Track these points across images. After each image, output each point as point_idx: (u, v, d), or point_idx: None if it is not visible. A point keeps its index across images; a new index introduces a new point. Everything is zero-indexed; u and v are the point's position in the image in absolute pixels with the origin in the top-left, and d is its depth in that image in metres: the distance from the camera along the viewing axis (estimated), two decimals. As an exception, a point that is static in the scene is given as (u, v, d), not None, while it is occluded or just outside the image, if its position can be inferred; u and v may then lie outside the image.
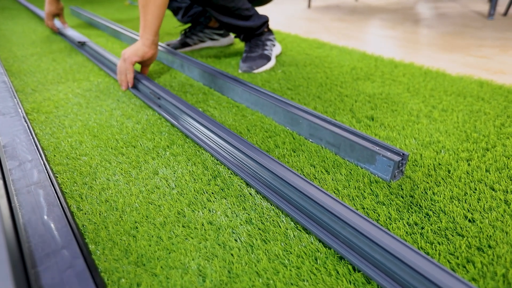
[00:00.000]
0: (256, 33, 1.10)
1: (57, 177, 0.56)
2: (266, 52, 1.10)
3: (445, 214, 0.47)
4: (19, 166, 0.56)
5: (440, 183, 0.53)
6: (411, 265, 0.34)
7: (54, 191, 0.50)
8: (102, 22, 1.67)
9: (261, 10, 1.19)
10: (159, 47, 1.17)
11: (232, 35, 1.39)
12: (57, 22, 1.61)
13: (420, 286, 0.34)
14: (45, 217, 0.45)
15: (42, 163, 0.57)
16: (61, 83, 0.97)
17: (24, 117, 0.74)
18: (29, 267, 0.37)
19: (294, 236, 0.44)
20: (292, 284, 0.37)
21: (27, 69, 1.09)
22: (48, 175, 0.54)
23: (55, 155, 0.62)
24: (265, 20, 1.10)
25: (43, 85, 0.95)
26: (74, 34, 1.43)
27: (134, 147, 0.64)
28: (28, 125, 0.70)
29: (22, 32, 1.62)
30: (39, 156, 0.59)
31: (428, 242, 0.42)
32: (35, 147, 0.61)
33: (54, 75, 1.03)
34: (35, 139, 0.65)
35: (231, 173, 0.56)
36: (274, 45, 1.15)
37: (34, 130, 0.70)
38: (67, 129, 0.71)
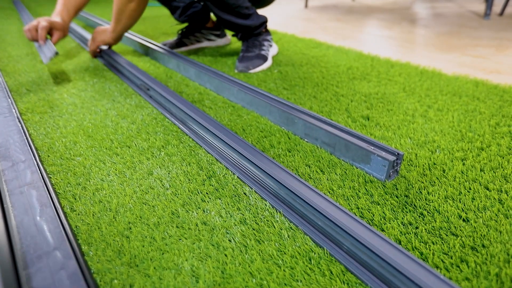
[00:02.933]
0: (254, 33, 1.10)
1: (50, 177, 0.55)
2: (263, 52, 1.10)
3: (440, 213, 0.47)
4: (12, 166, 0.55)
5: (435, 182, 0.53)
6: (400, 270, 0.34)
7: (47, 192, 0.50)
8: (98, 23, 1.66)
9: (259, 9, 1.19)
10: (155, 47, 1.17)
11: (228, 36, 1.39)
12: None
13: None
14: (38, 218, 0.45)
15: (36, 163, 0.56)
16: (56, 83, 0.96)
17: (18, 117, 0.73)
18: (20, 269, 0.37)
19: (288, 236, 0.44)
20: (285, 284, 0.37)
21: (22, 69, 1.08)
22: (42, 175, 0.54)
23: (49, 156, 0.61)
24: (263, 21, 1.10)
25: (38, 85, 0.95)
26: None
27: (129, 147, 0.64)
28: (22, 126, 0.69)
29: (17, 32, 1.61)
30: (32, 156, 0.58)
31: (422, 242, 0.42)
32: (29, 148, 0.61)
33: (49, 75, 1.03)
34: (29, 139, 0.64)
35: (226, 173, 0.56)
36: (271, 46, 1.15)
37: (28, 131, 0.70)
38: (62, 130, 0.70)
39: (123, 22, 1.02)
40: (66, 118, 0.76)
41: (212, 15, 1.32)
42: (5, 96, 0.84)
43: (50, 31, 1.04)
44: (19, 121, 0.71)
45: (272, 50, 1.16)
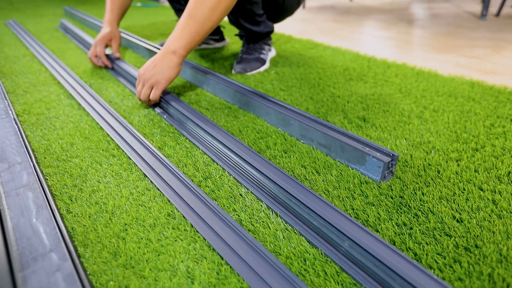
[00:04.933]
0: (258, 39, 1.11)
1: (47, 179, 0.55)
2: (262, 56, 1.10)
3: (434, 214, 0.47)
4: (8, 168, 0.56)
5: (429, 183, 0.53)
6: (394, 270, 0.35)
7: (43, 194, 0.50)
8: (95, 23, 1.66)
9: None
10: (151, 47, 1.17)
11: (227, 40, 1.40)
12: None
13: None
14: (34, 220, 0.45)
15: (32, 165, 0.57)
16: (53, 84, 0.96)
17: (14, 119, 0.73)
18: (16, 271, 0.37)
19: (283, 237, 0.44)
20: (280, 285, 0.37)
21: (18, 70, 1.08)
22: (38, 177, 0.54)
23: (45, 157, 0.61)
24: (270, 30, 1.10)
25: (35, 86, 0.95)
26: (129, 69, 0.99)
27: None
28: (18, 127, 0.70)
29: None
30: (29, 158, 0.59)
31: (416, 243, 0.42)
32: (25, 149, 0.61)
33: (46, 76, 1.03)
34: (25, 141, 0.64)
35: (222, 175, 0.56)
36: (270, 50, 1.16)
37: (24, 132, 0.70)
38: (58, 131, 0.70)
39: (209, 25, 0.73)
40: (63, 119, 0.76)
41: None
42: (1, 97, 0.84)
43: (108, 43, 1.08)
44: (16, 123, 0.71)
45: (270, 54, 1.17)
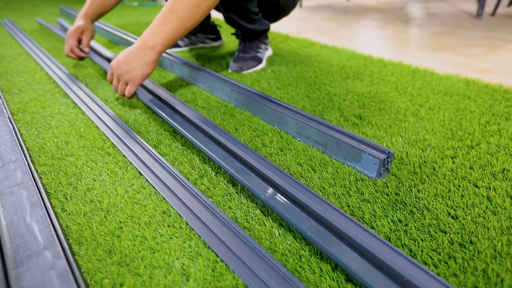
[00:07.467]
0: (254, 37, 1.11)
1: (41, 177, 0.55)
2: (259, 54, 1.10)
3: (429, 211, 0.47)
4: (2, 167, 0.55)
5: (425, 180, 0.53)
6: (391, 265, 0.35)
7: (38, 192, 0.49)
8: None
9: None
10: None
11: (223, 39, 1.40)
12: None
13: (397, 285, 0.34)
14: (28, 218, 0.44)
15: (26, 163, 0.56)
16: (49, 83, 0.96)
17: (9, 118, 0.73)
18: (9, 269, 0.37)
19: (279, 234, 0.44)
20: (275, 282, 0.37)
21: (14, 69, 1.07)
22: (32, 175, 0.53)
23: (40, 156, 0.61)
24: (266, 28, 1.10)
25: (30, 85, 0.94)
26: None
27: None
28: (13, 126, 0.69)
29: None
30: (23, 156, 0.58)
31: (412, 239, 0.43)
32: (20, 148, 0.61)
33: (42, 75, 1.02)
34: (20, 139, 0.64)
35: (218, 172, 0.56)
36: (267, 49, 1.16)
37: (19, 131, 0.69)
38: (53, 130, 0.70)
39: (190, 23, 0.71)
40: (58, 118, 0.75)
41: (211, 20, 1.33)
42: (-4, 96, 0.84)
43: (80, 36, 1.02)
44: (10, 122, 0.71)
45: (267, 53, 1.17)
